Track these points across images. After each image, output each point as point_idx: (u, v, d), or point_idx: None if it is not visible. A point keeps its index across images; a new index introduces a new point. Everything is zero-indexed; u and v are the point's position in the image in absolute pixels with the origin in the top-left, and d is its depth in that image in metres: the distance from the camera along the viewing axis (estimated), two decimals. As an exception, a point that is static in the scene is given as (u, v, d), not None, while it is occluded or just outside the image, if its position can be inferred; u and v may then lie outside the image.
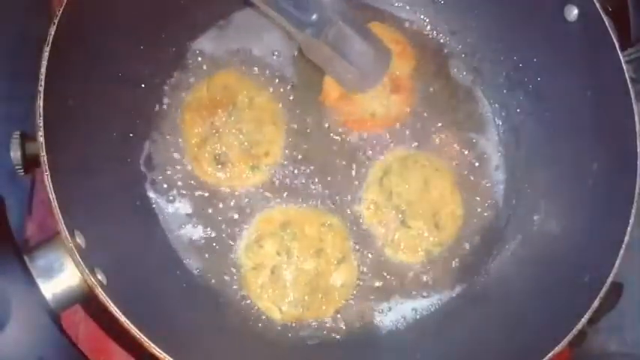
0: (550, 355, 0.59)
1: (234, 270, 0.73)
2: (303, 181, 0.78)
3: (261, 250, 0.73)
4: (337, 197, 0.78)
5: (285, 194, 0.77)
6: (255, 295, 0.72)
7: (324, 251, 0.74)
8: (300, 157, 0.78)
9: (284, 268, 0.73)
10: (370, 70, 0.80)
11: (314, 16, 0.73)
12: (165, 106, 0.78)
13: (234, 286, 0.73)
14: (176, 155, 0.76)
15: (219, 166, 0.76)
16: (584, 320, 0.60)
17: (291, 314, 0.72)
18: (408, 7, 0.88)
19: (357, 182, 0.79)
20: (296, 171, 0.78)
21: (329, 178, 0.78)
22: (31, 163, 0.61)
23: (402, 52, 0.84)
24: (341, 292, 0.73)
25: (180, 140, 0.77)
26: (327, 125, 0.80)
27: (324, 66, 0.79)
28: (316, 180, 0.78)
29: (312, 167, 0.78)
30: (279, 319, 0.72)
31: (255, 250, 0.73)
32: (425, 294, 0.76)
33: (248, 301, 0.72)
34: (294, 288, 0.72)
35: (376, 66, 0.80)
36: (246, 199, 0.76)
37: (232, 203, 0.76)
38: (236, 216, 0.75)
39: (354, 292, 0.74)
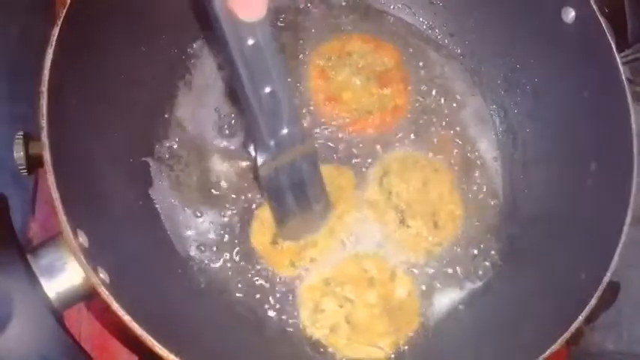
0: (548, 352, 0.59)
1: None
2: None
3: (324, 314, 0.72)
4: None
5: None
6: (350, 349, 0.71)
7: (375, 278, 0.74)
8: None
9: (354, 313, 0.72)
10: (309, 218, 0.74)
11: (283, 132, 0.66)
12: (167, 106, 0.78)
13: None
14: (177, 156, 0.77)
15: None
16: (581, 318, 0.61)
17: (390, 344, 0.72)
18: (406, 9, 0.88)
19: (357, 183, 0.79)
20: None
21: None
22: (34, 163, 0.62)
23: (377, 48, 0.84)
24: (412, 300, 0.74)
25: (181, 141, 0.77)
26: (327, 129, 0.80)
27: (268, 194, 0.72)
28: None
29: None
30: (384, 356, 0.72)
31: (321, 318, 0.72)
32: (424, 294, 0.76)
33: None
34: (374, 323, 0.72)
35: (315, 216, 0.74)
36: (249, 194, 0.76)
37: (235, 202, 0.76)
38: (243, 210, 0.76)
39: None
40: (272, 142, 0.66)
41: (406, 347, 0.73)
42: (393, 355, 0.72)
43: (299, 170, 0.70)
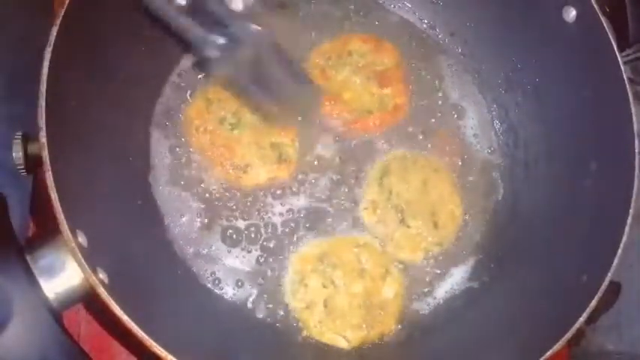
0: (549, 353, 0.59)
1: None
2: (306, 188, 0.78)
3: (307, 289, 0.73)
4: (340, 199, 0.78)
5: (290, 199, 0.77)
6: (317, 332, 0.72)
7: (367, 271, 0.74)
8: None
9: (335, 298, 0.73)
10: (291, 104, 0.75)
11: (222, 40, 0.65)
12: (167, 106, 0.78)
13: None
14: (178, 156, 0.77)
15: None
16: (582, 319, 0.61)
17: (357, 338, 0.72)
18: (407, 8, 0.88)
19: (357, 182, 0.79)
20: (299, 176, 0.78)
21: (331, 179, 0.78)
22: (33, 163, 0.61)
23: (377, 47, 0.84)
24: (396, 304, 0.74)
25: (182, 141, 0.77)
26: (327, 128, 0.80)
27: (239, 92, 0.74)
28: (318, 184, 0.78)
29: (313, 172, 0.79)
30: (347, 347, 0.72)
31: (302, 291, 0.73)
32: (424, 294, 0.76)
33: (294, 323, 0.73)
34: (351, 313, 0.72)
35: (299, 101, 0.75)
36: (251, 197, 0.76)
37: (234, 202, 0.76)
38: (240, 215, 0.76)
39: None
40: (218, 40, 0.64)
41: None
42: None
43: (259, 59, 0.68)
